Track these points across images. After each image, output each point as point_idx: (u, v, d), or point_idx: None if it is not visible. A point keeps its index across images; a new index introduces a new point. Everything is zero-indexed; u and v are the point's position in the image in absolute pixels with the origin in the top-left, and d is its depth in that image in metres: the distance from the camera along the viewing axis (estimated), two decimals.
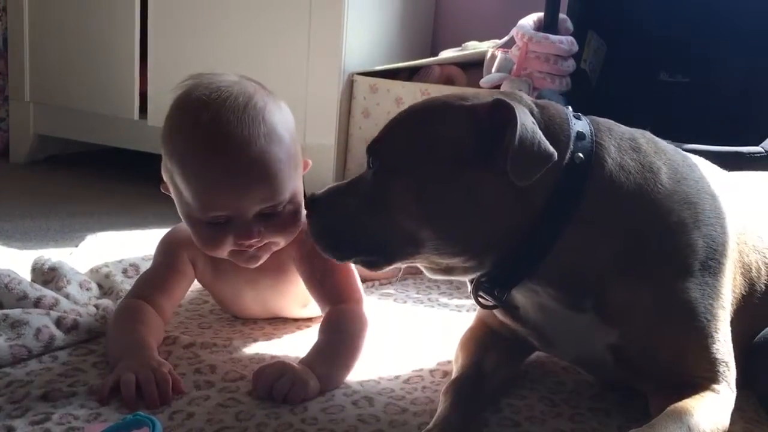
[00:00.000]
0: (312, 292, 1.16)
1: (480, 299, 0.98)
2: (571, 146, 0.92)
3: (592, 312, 0.93)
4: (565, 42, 1.82)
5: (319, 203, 0.99)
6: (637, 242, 0.92)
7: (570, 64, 1.85)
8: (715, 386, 0.91)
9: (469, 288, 0.99)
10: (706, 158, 1.09)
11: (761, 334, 1.02)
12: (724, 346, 0.93)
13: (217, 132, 1.03)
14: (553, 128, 0.93)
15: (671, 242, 0.92)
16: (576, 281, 0.92)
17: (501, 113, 0.88)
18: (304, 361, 1.03)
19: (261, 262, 1.12)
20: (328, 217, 0.98)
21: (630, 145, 0.95)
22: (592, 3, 1.96)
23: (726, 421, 0.89)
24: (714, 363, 0.92)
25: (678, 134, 1.37)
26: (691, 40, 1.95)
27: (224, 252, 1.10)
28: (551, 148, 0.87)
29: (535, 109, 0.94)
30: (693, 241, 0.93)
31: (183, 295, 1.22)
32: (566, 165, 0.91)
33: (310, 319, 1.27)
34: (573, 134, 0.92)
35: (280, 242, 1.11)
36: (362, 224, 0.95)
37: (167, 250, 1.19)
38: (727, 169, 1.12)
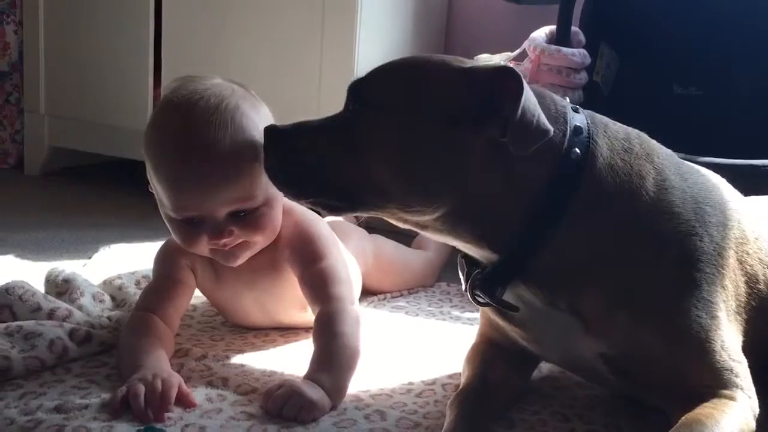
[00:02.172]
0: (304, 292, 1.16)
1: (476, 297, 0.95)
2: (567, 140, 0.91)
3: (569, 314, 0.92)
4: (578, 54, 1.82)
5: (281, 136, 0.96)
6: (614, 248, 0.91)
7: (582, 77, 1.84)
8: (726, 392, 0.90)
9: (464, 286, 0.98)
10: (721, 171, 1.08)
11: None
12: (724, 354, 0.91)
13: (183, 134, 1.06)
14: (547, 114, 0.91)
15: (649, 251, 0.91)
16: (552, 279, 0.92)
17: (502, 81, 0.87)
18: (308, 376, 1.03)
19: (241, 261, 1.14)
20: (291, 151, 0.94)
21: (623, 145, 0.94)
22: (604, 15, 1.96)
23: (750, 426, 0.88)
24: (716, 371, 0.90)
25: (692, 147, 1.37)
26: (704, 53, 1.94)
27: (203, 250, 1.12)
28: (548, 125, 0.87)
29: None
30: (671, 251, 0.91)
31: (188, 303, 1.22)
32: (563, 158, 0.91)
33: None
34: (570, 128, 0.92)
35: (257, 242, 1.13)
36: (330, 164, 0.92)
37: (165, 261, 1.20)
38: (741, 182, 1.11)
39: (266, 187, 1.09)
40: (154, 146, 1.10)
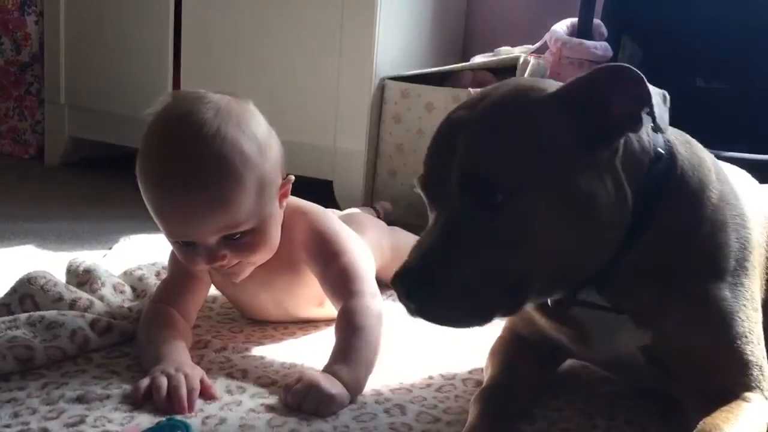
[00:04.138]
0: (325, 290, 1.16)
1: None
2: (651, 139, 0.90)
3: (617, 312, 0.92)
4: (600, 47, 1.81)
5: (418, 279, 0.82)
6: (686, 241, 0.90)
7: None
8: (748, 394, 0.89)
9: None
10: (744, 166, 1.07)
11: None
12: (757, 349, 0.90)
13: (160, 166, 1.04)
14: None
15: (713, 242, 0.91)
16: (618, 282, 0.91)
17: (614, 83, 0.83)
18: (327, 369, 1.02)
19: (243, 277, 1.14)
20: (440, 287, 0.82)
21: (683, 139, 0.94)
22: (626, 8, 1.94)
23: (762, 430, 0.87)
24: (747, 366, 0.90)
25: (715, 142, 1.35)
26: (727, 46, 1.92)
27: (203, 269, 1.12)
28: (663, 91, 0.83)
29: None
30: (730, 242, 0.91)
31: (204, 297, 1.23)
32: (651, 160, 0.88)
33: None
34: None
35: (255, 261, 1.12)
36: (490, 272, 0.82)
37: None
38: (763, 177, 1.10)
39: (257, 209, 1.07)
40: (139, 175, 1.07)
